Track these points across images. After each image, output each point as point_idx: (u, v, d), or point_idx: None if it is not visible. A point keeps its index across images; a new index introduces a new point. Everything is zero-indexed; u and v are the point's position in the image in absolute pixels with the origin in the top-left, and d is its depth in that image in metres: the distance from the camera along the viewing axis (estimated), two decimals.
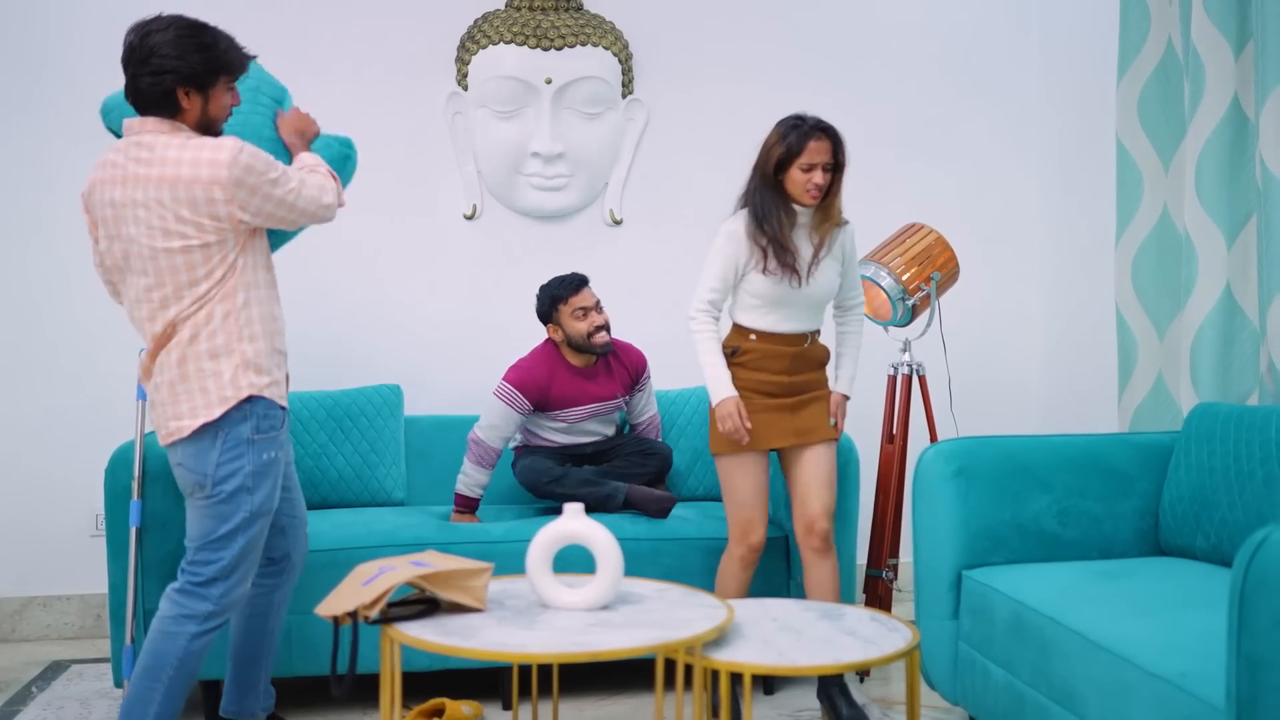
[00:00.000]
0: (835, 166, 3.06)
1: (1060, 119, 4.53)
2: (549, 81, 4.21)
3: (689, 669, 2.49)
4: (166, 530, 3.08)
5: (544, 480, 3.58)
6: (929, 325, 3.83)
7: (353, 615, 2.23)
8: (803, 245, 3.09)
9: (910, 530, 3.13)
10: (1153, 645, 2.22)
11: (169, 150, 2.47)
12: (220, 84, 2.56)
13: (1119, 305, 3.67)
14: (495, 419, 3.61)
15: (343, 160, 2.86)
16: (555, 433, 3.74)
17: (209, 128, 2.57)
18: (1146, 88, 3.59)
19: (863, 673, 3.57)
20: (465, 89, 4.26)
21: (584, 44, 4.23)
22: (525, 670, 3.24)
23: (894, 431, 3.86)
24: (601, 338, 3.67)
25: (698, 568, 3.41)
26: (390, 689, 2.25)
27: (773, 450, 3.17)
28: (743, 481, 3.12)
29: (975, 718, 2.88)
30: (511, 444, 3.79)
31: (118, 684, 3.17)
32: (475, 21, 4.28)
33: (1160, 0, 3.55)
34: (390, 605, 2.29)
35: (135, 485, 3.05)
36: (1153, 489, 3.04)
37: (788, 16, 4.50)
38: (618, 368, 3.77)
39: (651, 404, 3.91)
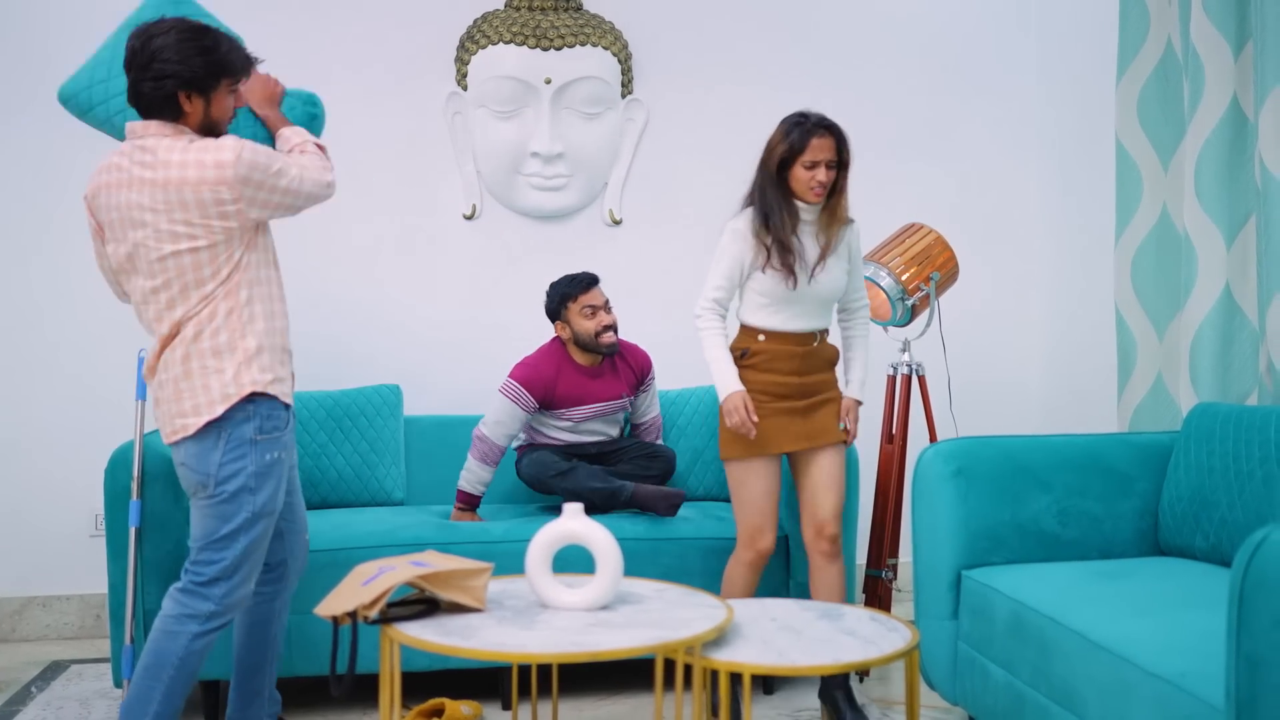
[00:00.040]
0: (839, 164, 3.05)
1: (1060, 119, 4.53)
2: (548, 81, 4.20)
3: (688, 669, 2.49)
4: (166, 530, 3.09)
5: (550, 474, 3.57)
6: (928, 325, 3.83)
7: (352, 615, 2.24)
8: (809, 244, 3.07)
9: (910, 530, 3.12)
10: (1152, 645, 2.22)
11: (172, 154, 2.47)
12: (222, 87, 2.56)
13: (1118, 305, 3.67)
14: (500, 415, 3.61)
15: (310, 120, 2.84)
16: (560, 432, 3.74)
17: (212, 130, 2.57)
18: (1146, 88, 3.59)
19: (862, 673, 3.57)
20: (465, 89, 4.26)
21: (583, 44, 4.23)
22: (525, 670, 3.24)
23: (894, 431, 3.86)
24: (609, 338, 3.67)
25: (697, 568, 3.41)
26: (390, 689, 2.25)
27: (783, 454, 3.15)
28: (754, 487, 3.09)
29: (975, 718, 2.88)
30: (515, 443, 3.79)
31: (117, 684, 3.17)
32: (475, 21, 4.27)
33: (1159, 0, 3.55)
34: (390, 605, 2.29)
35: (135, 485, 3.05)
36: (1152, 489, 3.04)
37: (788, 16, 4.50)
38: (624, 368, 3.77)
39: (654, 405, 3.90)
